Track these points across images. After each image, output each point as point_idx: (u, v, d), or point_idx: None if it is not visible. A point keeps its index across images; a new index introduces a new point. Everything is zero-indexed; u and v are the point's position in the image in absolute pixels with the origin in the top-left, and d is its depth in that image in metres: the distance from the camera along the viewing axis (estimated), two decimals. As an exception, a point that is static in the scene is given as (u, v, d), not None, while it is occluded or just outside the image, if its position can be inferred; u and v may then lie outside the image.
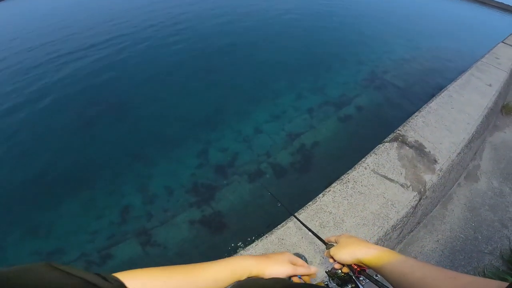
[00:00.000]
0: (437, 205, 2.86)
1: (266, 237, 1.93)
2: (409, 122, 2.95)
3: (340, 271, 0.80)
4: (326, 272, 0.87)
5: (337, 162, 3.67)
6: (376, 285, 0.67)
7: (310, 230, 1.06)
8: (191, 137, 4.46)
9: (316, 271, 0.73)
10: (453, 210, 2.80)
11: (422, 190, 2.18)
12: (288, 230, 1.94)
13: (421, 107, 3.25)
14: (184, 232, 3.05)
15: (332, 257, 0.81)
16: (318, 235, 0.98)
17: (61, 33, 9.21)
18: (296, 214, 2.04)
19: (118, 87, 5.93)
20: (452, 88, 3.48)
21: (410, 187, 2.18)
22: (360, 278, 0.74)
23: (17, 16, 13.16)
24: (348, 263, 0.75)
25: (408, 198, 2.09)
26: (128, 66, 6.64)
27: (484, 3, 14.30)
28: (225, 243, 2.89)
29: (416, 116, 3.06)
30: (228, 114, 4.95)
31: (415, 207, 2.14)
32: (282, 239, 1.89)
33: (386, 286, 0.65)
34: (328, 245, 0.87)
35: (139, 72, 6.34)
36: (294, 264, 0.71)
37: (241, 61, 6.63)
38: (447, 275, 0.53)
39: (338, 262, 0.78)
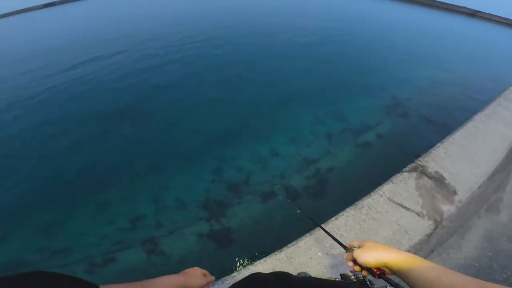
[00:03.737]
0: (454, 234, 2.71)
1: (275, 254, 1.92)
2: (430, 152, 2.89)
3: (360, 274, 0.81)
4: (340, 274, 0.89)
5: (352, 189, 3.57)
6: None
7: (332, 236, 1.07)
8: (207, 153, 4.54)
9: (213, 279, 0.88)
10: (470, 240, 2.64)
11: (438, 219, 2.11)
12: (298, 250, 1.92)
13: (444, 137, 3.15)
14: (191, 244, 3.02)
15: (352, 260, 0.82)
16: (340, 241, 1.00)
17: (95, 40, 10.02)
18: (308, 234, 2.03)
19: (144, 99, 6.22)
20: (478, 118, 3.36)
21: (426, 216, 2.12)
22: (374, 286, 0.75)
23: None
24: (371, 266, 0.76)
25: (423, 226, 2.04)
26: (155, 80, 6.98)
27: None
28: (230, 258, 2.83)
29: (438, 147, 2.98)
30: (245, 134, 5.02)
31: (429, 235, 2.06)
32: (291, 257, 1.86)
33: None
34: (348, 249, 0.89)
35: (165, 87, 6.64)
36: (205, 275, 0.85)
37: (262, 82, 6.79)
38: (476, 284, 0.54)
39: (359, 265, 0.79)
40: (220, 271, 2.07)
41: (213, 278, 0.89)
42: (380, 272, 0.75)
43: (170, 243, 3.07)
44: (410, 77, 7.11)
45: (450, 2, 15.18)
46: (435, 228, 2.08)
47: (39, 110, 6.11)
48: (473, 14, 14.18)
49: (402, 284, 0.69)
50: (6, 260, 3.12)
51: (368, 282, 0.79)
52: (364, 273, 0.80)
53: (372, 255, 0.76)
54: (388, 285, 0.79)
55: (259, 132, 5.05)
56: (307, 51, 8.75)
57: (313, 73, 7.31)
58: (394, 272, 0.73)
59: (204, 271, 0.87)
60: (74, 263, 2.97)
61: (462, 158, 2.71)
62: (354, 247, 0.87)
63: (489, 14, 13.80)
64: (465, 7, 14.55)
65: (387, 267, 0.75)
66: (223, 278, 1.75)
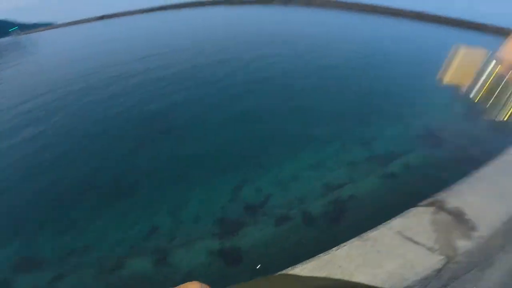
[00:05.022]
0: (472, 269, 2.50)
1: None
2: (453, 187, 2.75)
3: None
4: None
5: (365, 220, 3.40)
6: None
7: None
8: (229, 171, 4.67)
9: None
10: (491, 274, 2.41)
11: (451, 255, 2.02)
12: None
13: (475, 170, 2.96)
14: (200, 259, 3.08)
15: None
16: None
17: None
18: (304, 262, 2.01)
19: (175, 114, 6.71)
20: (515, 153, 3.12)
21: (438, 251, 2.03)
22: None
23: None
24: None
25: (431, 261, 1.96)
26: (191, 96, 7.50)
27: None
28: (235, 277, 2.85)
29: (463, 181, 2.81)
30: (268, 155, 5.07)
31: (439, 270, 1.97)
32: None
33: None
34: None
35: (198, 104, 7.09)
36: None
37: (289, 104, 6.87)
38: None
39: None
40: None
41: None
42: None
43: (179, 255, 3.16)
44: (450, 104, 6.54)
45: None
46: (446, 263, 1.99)
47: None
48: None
49: None
50: (22, 257, 3.43)
51: None
52: None
53: None
54: None
55: (282, 155, 5.06)
56: (334, 73, 8.74)
57: (342, 95, 7.24)
58: None
59: (205, 285, 0.87)
60: (85, 266, 3.19)
61: (489, 194, 2.53)
62: None
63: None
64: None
65: None
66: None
